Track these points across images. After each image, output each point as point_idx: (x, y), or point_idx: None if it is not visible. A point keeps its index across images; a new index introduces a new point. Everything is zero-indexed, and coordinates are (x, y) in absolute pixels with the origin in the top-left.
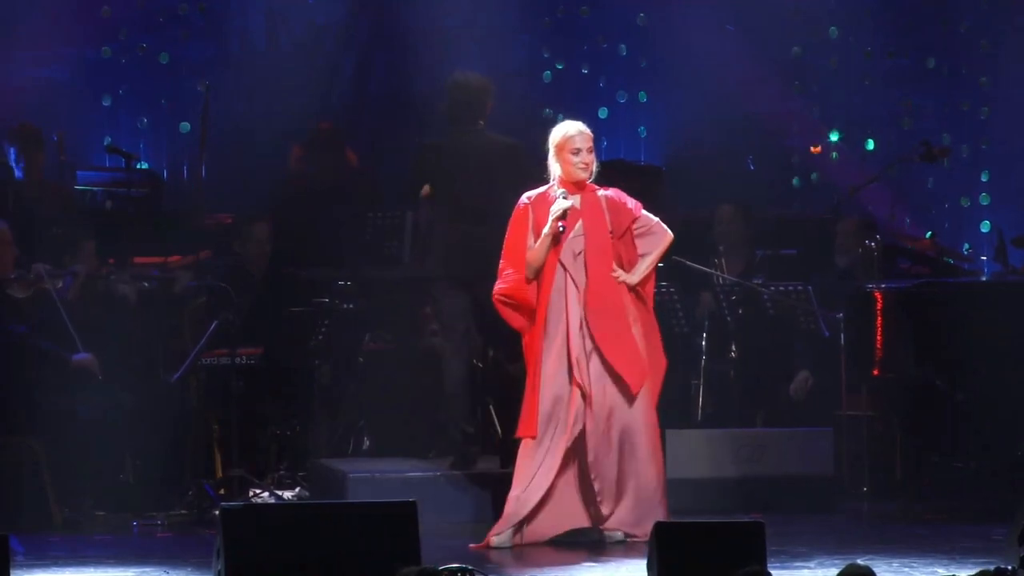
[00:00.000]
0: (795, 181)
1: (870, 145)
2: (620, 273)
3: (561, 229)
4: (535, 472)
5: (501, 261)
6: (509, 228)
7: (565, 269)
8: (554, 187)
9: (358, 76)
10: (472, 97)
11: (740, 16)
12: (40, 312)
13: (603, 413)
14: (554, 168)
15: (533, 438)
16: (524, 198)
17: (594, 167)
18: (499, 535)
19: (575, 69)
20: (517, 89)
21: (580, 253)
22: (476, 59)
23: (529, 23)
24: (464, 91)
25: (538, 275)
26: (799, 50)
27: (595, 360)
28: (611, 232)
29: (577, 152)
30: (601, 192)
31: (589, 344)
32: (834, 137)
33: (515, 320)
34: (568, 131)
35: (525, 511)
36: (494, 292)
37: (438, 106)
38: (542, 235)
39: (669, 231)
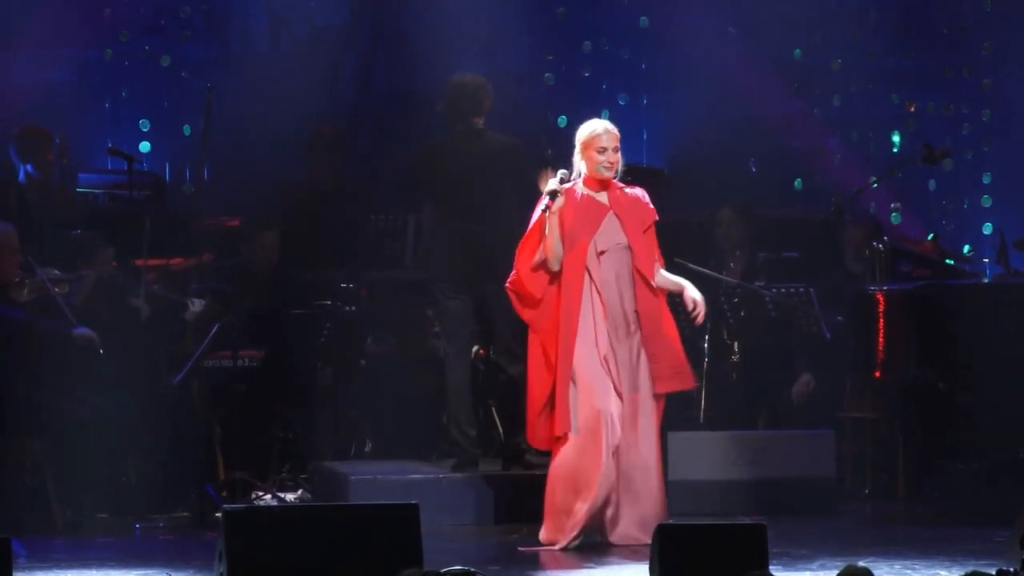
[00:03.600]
0: (797, 183)
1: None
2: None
3: (544, 210)
4: (587, 471)
5: (518, 253)
6: (531, 222)
7: (588, 268)
8: (579, 183)
9: (359, 77)
10: (468, 95)
11: (741, 18)
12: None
13: (624, 418)
14: (579, 165)
15: (568, 434)
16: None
17: (620, 166)
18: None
19: (577, 72)
20: (518, 92)
21: (604, 253)
22: (477, 61)
23: (530, 25)
24: (460, 90)
25: (560, 263)
26: (801, 52)
27: (622, 361)
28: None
29: (603, 151)
30: (629, 190)
31: (617, 343)
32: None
33: (523, 312)
34: (595, 129)
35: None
36: (507, 281)
37: (437, 106)
38: (548, 221)
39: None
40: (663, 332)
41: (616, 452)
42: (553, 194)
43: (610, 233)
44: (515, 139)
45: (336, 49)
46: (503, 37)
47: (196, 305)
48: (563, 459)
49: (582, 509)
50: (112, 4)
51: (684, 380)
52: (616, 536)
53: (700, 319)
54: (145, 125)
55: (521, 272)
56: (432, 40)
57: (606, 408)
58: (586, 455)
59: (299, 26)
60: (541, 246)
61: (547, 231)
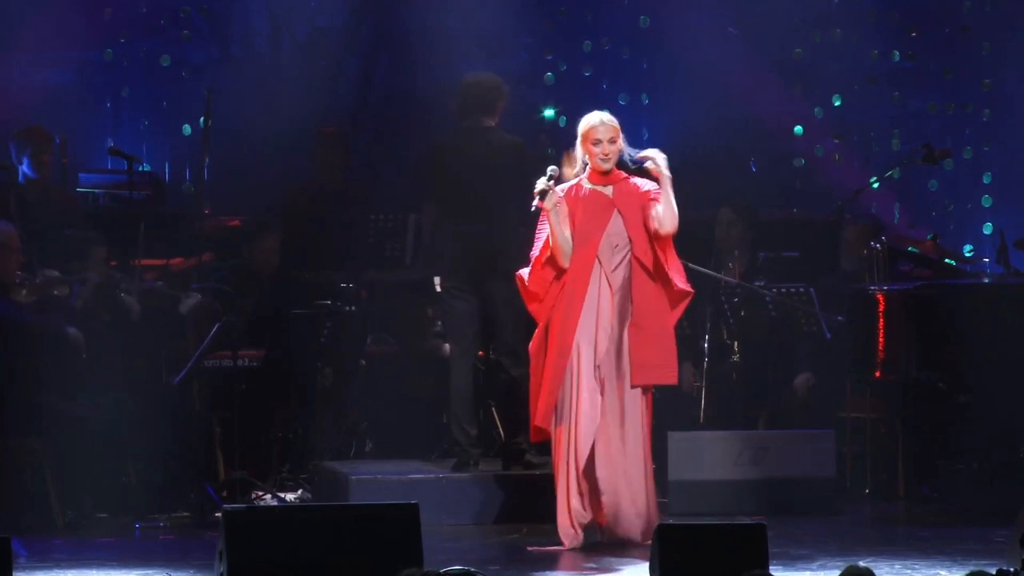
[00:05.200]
0: (798, 182)
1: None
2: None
3: (533, 208)
4: (576, 464)
5: (532, 249)
6: (542, 216)
7: (600, 263)
8: (583, 179)
9: (360, 78)
10: (480, 94)
11: (742, 18)
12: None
13: (617, 414)
14: (583, 157)
15: (546, 429)
16: (556, 190)
17: (626, 156)
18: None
19: (577, 71)
20: (519, 91)
21: (618, 247)
22: (478, 61)
23: (531, 25)
24: (473, 88)
25: (568, 259)
26: (801, 52)
27: (621, 359)
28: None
29: (598, 143)
30: (632, 180)
31: (616, 340)
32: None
33: (528, 305)
34: (592, 121)
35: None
36: (518, 273)
37: (451, 104)
38: (550, 218)
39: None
40: (654, 323)
41: (607, 449)
42: (542, 193)
43: (618, 228)
44: (520, 138)
45: (337, 50)
46: (504, 37)
47: (191, 298)
48: (558, 455)
49: (579, 506)
50: (112, 4)
51: (665, 374)
52: (610, 534)
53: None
54: (145, 125)
55: (533, 267)
56: (433, 41)
57: (591, 407)
58: (571, 452)
59: (300, 27)
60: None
61: (551, 229)
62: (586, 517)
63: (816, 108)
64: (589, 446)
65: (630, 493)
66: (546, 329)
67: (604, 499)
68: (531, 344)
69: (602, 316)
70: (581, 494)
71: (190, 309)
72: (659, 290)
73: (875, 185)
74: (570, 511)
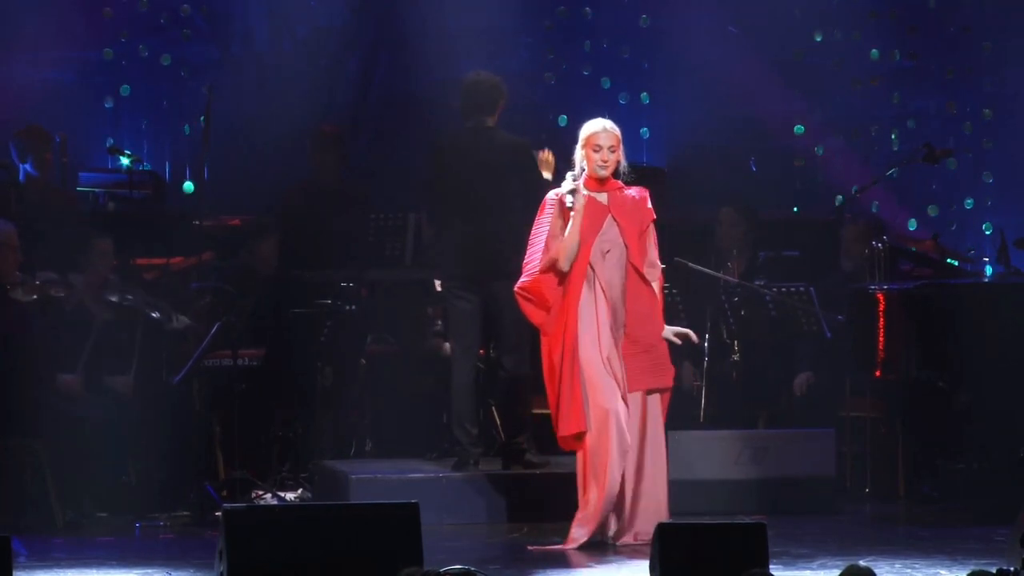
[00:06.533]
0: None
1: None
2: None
3: (570, 205)
4: (597, 470)
5: (525, 255)
6: (535, 223)
7: (592, 268)
8: (580, 184)
9: (360, 78)
10: (483, 92)
11: (742, 18)
12: (45, 317)
13: (638, 416)
14: (581, 162)
15: (584, 432)
16: (552, 194)
17: (622, 167)
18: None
19: (577, 71)
20: (519, 91)
21: (608, 252)
22: (478, 61)
23: (531, 25)
24: (475, 87)
25: (571, 263)
26: (801, 52)
27: (624, 362)
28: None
29: (598, 149)
30: (627, 191)
31: (618, 344)
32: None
33: (535, 316)
34: (594, 128)
35: (610, 507)
36: (516, 286)
37: (456, 105)
38: (570, 220)
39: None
40: (646, 331)
41: (633, 452)
42: (572, 192)
43: (611, 235)
44: (523, 139)
45: (337, 50)
46: (504, 36)
47: (179, 322)
48: (579, 457)
49: (596, 507)
50: (112, 4)
51: (660, 378)
52: (624, 538)
53: (693, 338)
54: (145, 125)
55: (539, 276)
56: (433, 40)
57: (613, 408)
58: (595, 454)
59: (300, 26)
60: (552, 247)
61: (567, 231)
62: (595, 517)
63: (817, 109)
64: (632, 457)
65: (653, 494)
66: (560, 339)
67: (627, 502)
68: (548, 357)
69: (601, 320)
70: (617, 512)
71: (185, 327)
72: (652, 295)
73: (875, 185)
74: (599, 526)
